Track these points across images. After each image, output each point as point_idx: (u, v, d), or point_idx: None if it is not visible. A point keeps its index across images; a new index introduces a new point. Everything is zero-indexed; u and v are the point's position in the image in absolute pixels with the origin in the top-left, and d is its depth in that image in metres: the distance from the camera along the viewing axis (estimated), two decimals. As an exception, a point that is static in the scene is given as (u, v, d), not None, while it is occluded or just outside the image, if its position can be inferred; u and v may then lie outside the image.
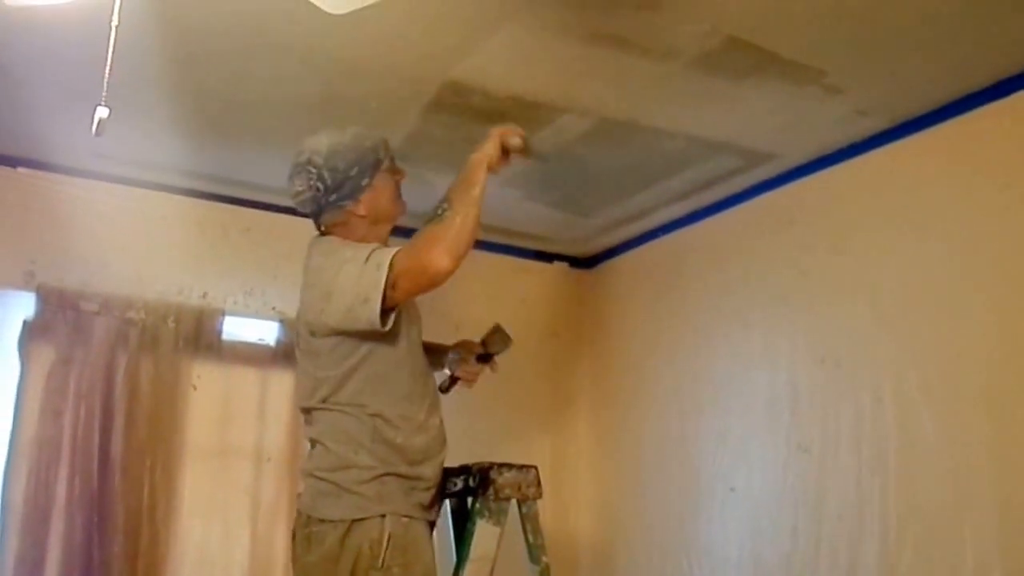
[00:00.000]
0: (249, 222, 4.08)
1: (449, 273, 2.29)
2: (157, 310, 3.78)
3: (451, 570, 2.63)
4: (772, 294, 3.63)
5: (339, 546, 2.31)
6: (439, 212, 2.45)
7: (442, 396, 2.67)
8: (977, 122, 2.95)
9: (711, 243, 4.02)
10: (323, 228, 2.53)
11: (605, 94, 3.09)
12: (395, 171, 2.57)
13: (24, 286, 3.62)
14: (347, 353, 2.38)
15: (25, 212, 3.70)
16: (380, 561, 2.28)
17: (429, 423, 2.48)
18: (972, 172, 2.96)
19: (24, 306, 3.60)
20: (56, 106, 3.23)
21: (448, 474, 2.73)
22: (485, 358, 2.87)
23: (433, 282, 2.31)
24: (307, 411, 2.50)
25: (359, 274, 2.29)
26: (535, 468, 2.78)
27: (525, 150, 2.53)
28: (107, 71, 1.98)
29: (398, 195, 2.58)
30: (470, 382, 2.86)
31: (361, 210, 2.47)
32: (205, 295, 3.93)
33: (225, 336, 3.91)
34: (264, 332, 4.03)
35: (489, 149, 2.47)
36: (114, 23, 1.92)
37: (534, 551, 2.77)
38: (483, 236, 4.45)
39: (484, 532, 2.64)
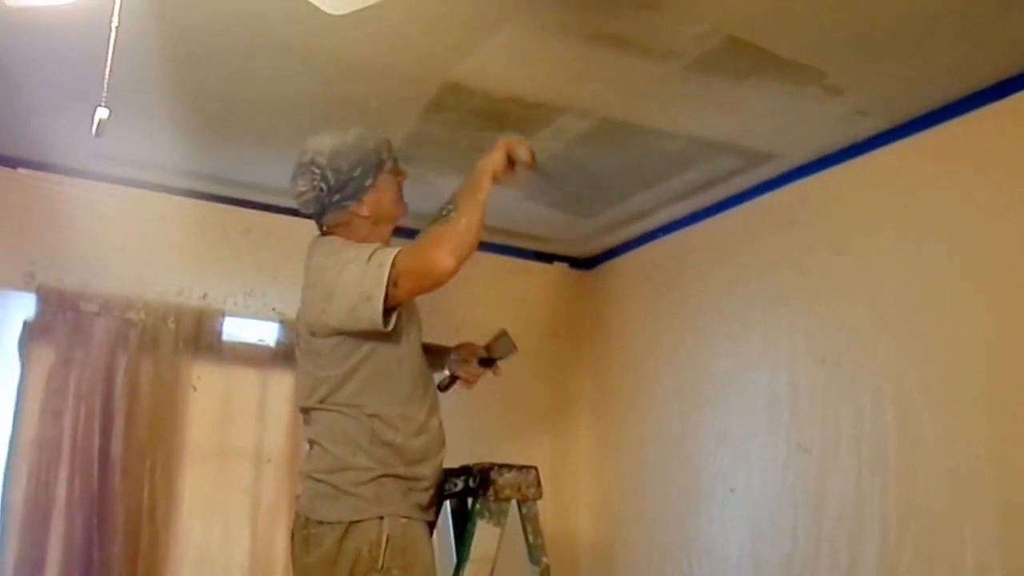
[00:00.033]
0: (249, 223, 4.08)
1: (452, 273, 2.30)
2: (157, 311, 3.78)
3: (451, 571, 2.63)
4: (772, 294, 3.63)
5: (337, 548, 2.31)
6: (444, 214, 2.46)
7: (442, 397, 2.67)
8: (977, 122, 2.95)
9: (711, 243, 4.02)
10: (325, 228, 2.53)
11: (605, 94, 3.09)
12: (398, 172, 2.58)
13: (24, 287, 3.62)
14: (348, 353, 2.38)
15: (25, 213, 3.70)
16: (379, 563, 2.28)
17: (429, 424, 2.48)
18: (972, 172, 2.96)
19: (24, 307, 3.60)
20: (56, 107, 3.23)
21: (448, 475, 2.73)
22: (488, 362, 2.87)
23: (436, 281, 2.32)
24: (306, 411, 2.50)
25: (361, 273, 2.29)
26: (535, 469, 2.78)
27: (531, 164, 2.53)
28: (107, 72, 1.98)
29: (400, 196, 2.59)
30: (470, 384, 2.86)
31: (364, 211, 2.48)
32: (205, 296, 3.93)
33: (225, 337, 3.91)
34: (264, 333, 4.03)
35: (496, 158, 2.48)
36: (114, 24, 1.93)
37: (534, 551, 2.77)
38: (484, 237, 4.46)
39: (484, 533, 2.64)
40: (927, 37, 2.65)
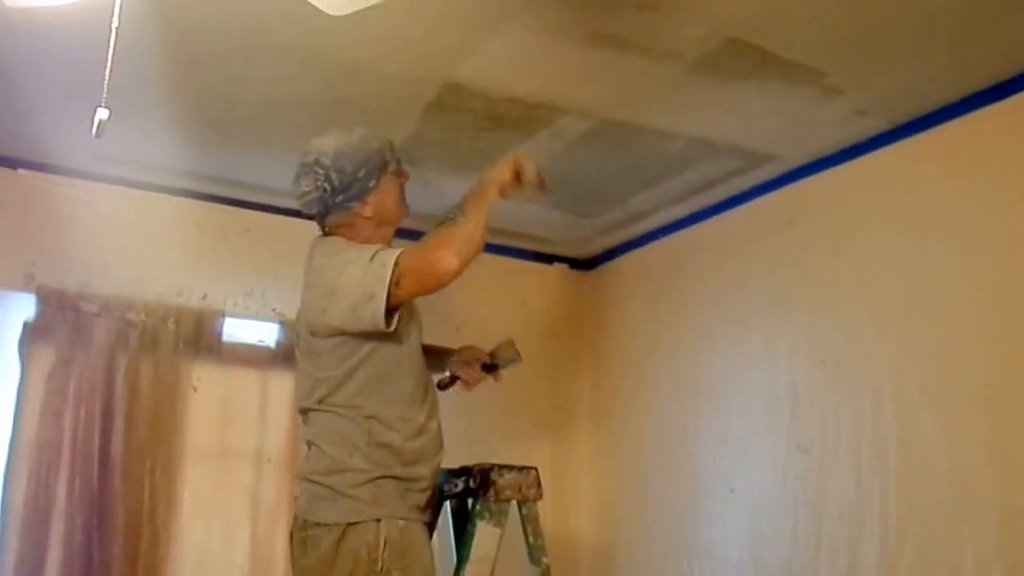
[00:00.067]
0: (249, 223, 4.08)
1: (455, 274, 2.31)
2: (157, 311, 3.77)
3: (451, 571, 2.63)
4: (772, 295, 3.63)
5: (334, 550, 2.31)
6: (449, 217, 2.46)
7: (442, 398, 2.67)
8: (977, 123, 2.95)
9: (711, 244, 4.02)
10: (327, 229, 2.53)
11: (605, 95, 3.09)
12: (401, 174, 2.58)
13: (24, 287, 3.62)
14: (348, 353, 2.38)
15: (25, 213, 3.69)
16: (378, 565, 2.28)
17: (428, 426, 2.47)
18: (972, 173, 2.96)
19: (24, 307, 3.60)
20: (56, 107, 3.23)
21: (448, 475, 2.74)
22: (490, 368, 2.87)
23: (439, 282, 2.33)
24: (304, 412, 2.50)
25: (364, 272, 2.29)
26: (535, 469, 2.79)
27: (538, 184, 2.54)
28: (107, 72, 1.98)
29: (403, 197, 2.59)
30: (469, 387, 2.87)
31: (367, 211, 2.48)
32: (205, 296, 3.93)
33: (225, 338, 3.91)
34: (264, 334, 4.03)
35: (504, 171, 2.50)
36: (114, 24, 1.93)
37: (534, 552, 2.77)
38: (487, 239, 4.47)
39: (484, 533, 2.65)
40: (927, 38, 2.65)
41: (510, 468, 2.74)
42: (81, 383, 3.57)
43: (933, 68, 2.82)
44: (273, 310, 4.01)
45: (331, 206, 2.47)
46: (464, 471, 2.78)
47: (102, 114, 1.94)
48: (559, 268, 4.80)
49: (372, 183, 2.47)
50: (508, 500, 2.71)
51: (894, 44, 2.69)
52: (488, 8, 2.58)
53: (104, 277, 3.73)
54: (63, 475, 3.48)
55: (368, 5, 2.05)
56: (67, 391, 3.55)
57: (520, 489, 2.74)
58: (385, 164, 2.51)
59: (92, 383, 3.58)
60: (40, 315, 3.59)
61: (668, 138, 3.38)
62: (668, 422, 4.10)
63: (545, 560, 2.77)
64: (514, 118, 3.24)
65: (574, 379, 4.69)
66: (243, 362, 3.97)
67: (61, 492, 3.47)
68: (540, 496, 2.78)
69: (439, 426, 2.53)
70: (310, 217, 2.57)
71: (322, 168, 2.44)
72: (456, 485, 2.78)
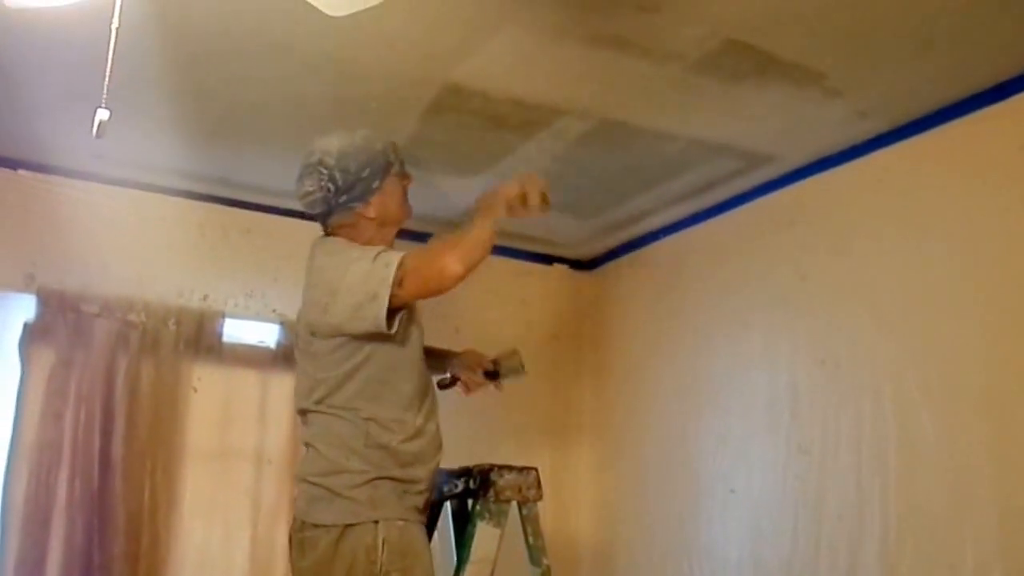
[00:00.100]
0: (250, 224, 4.08)
1: (459, 279, 2.32)
2: (157, 312, 3.78)
3: (451, 572, 2.63)
4: (772, 296, 3.63)
5: (332, 551, 2.30)
6: (457, 225, 2.47)
7: (442, 398, 2.66)
8: (977, 124, 2.95)
9: (711, 245, 4.02)
10: (329, 229, 2.53)
11: (605, 96, 3.09)
12: (404, 176, 2.58)
13: (24, 288, 3.62)
14: (347, 355, 2.38)
15: (25, 214, 3.69)
16: (377, 566, 2.28)
17: (426, 428, 2.47)
18: (971, 174, 2.96)
19: (25, 308, 3.60)
20: (56, 108, 3.23)
21: (448, 476, 2.74)
22: (492, 375, 2.87)
23: (441, 285, 2.33)
24: (303, 413, 2.50)
25: (367, 272, 2.29)
26: (535, 470, 2.79)
27: (542, 209, 2.55)
28: (107, 73, 1.98)
29: (406, 199, 2.59)
30: (469, 391, 2.87)
31: (370, 212, 2.48)
32: (205, 297, 3.93)
33: (226, 338, 3.91)
34: (265, 334, 4.03)
35: (513, 190, 2.50)
36: (114, 25, 1.92)
37: (535, 553, 2.77)
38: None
39: (484, 534, 2.65)
40: (927, 39, 2.65)
41: (510, 469, 2.74)
42: (81, 384, 3.57)
43: (933, 69, 2.82)
44: (273, 311, 4.01)
45: (334, 206, 2.46)
46: (464, 472, 2.78)
47: (102, 115, 1.94)
48: (559, 269, 4.80)
49: (376, 184, 2.47)
50: (508, 501, 2.71)
51: (894, 45, 2.69)
52: (488, 9, 2.58)
53: (104, 278, 3.73)
54: (63, 476, 3.48)
55: (368, 6, 2.05)
56: (67, 392, 3.55)
57: (520, 490, 2.74)
58: (389, 165, 2.52)
59: (92, 384, 3.58)
60: (40, 316, 3.59)
61: (668, 139, 3.38)
62: (668, 422, 4.10)
63: (545, 561, 2.77)
64: (514, 119, 3.24)
65: (574, 380, 4.69)
66: (243, 363, 3.97)
67: (61, 493, 3.47)
68: (540, 497, 2.78)
69: (438, 427, 2.53)
70: (311, 217, 2.57)
71: (326, 168, 2.44)
72: (456, 486, 2.78)
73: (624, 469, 4.37)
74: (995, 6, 2.49)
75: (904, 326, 3.08)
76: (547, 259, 4.77)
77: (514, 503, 2.73)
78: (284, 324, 3.94)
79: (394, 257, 2.30)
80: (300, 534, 2.40)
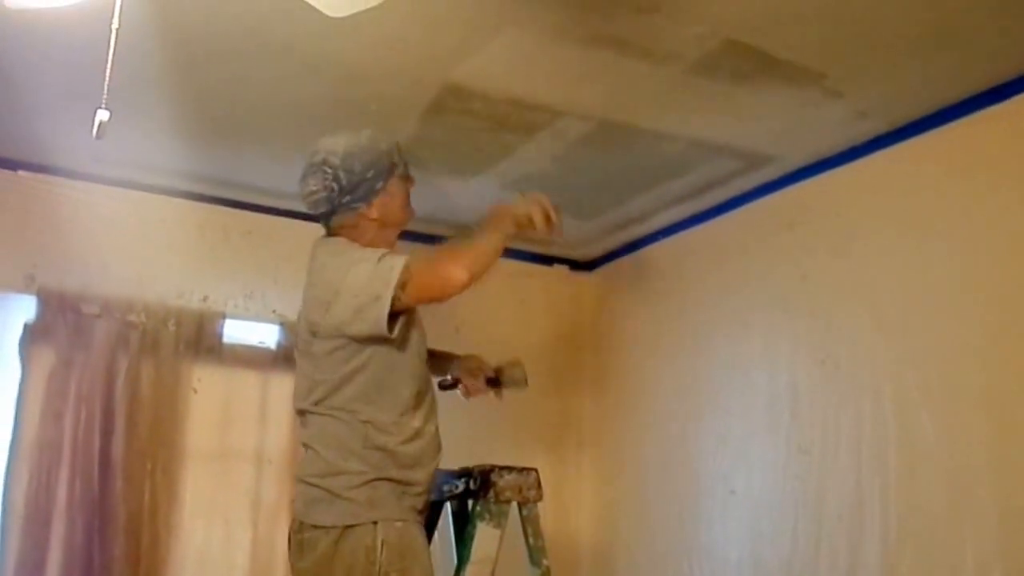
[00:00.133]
0: (250, 225, 4.08)
1: (462, 287, 2.34)
2: (158, 313, 3.78)
3: (452, 573, 2.64)
4: (772, 296, 3.63)
5: (332, 552, 2.31)
6: (467, 234, 2.48)
7: (441, 399, 2.66)
8: (977, 125, 2.95)
9: (711, 246, 4.02)
10: (331, 229, 2.52)
11: (605, 97, 3.09)
12: (407, 178, 2.58)
13: (25, 289, 3.62)
14: (347, 358, 2.37)
15: (26, 215, 3.70)
16: (377, 567, 2.28)
17: (425, 430, 2.46)
18: (971, 175, 2.96)
19: (25, 309, 3.60)
20: (56, 109, 3.23)
21: (448, 476, 2.74)
22: (494, 382, 2.87)
23: (444, 292, 2.35)
24: (301, 413, 2.50)
25: (371, 273, 2.29)
26: (535, 470, 2.79)
27: (547, 232, 2.57)
28: (107, 74, 1.99)
29: (408, 201, 2.59)
30: (469, 396, 2.87)
31: (373, 213, 2.48)
32: (206, 298, 3.93)
33: (226, 339, 3.91)
34: (265, 335, 4.03)
35: (521, 206, 2.54)
36: (115, 26, 1.93)
37: (535, 553, 2.77)
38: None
39: (485, 534, 2.65)
40: (927, 40, 2.65)
41: (510, 469, 2.74)
42: (82, 384, 3.58)
43: (933, 70, 2.82)
44: (274, 312, 4.01)
45: (337, 206, 2.46)
46: (464, 472, 2.78)
47: (102, 115, 1.94)
48: (559, 269, 4.80)
49: (379, 185, 2.48)
50: (508, 501, 2.71)
51: (894, 46, 2.69)
52: (488, 10, 2.58)
53: (104, 279, 3.74)
54: (64, 476, 3.48)
55: (367, 7, 2.05)
56: (68, 392, 3.56)
57: (520, 490, 2.74)
58: (393, 166, 2.52)
59: (93, 384, 3.59)
60: (40, 316, 3.60)
61: (668, 140, 3.38)
62: (668, 422, 4.10)
63: (545, 561, 2.78)
64: (514, 120, 3.24)
65: (574, 381, 4.69)
66: (244, 363, 3.97)
67: (62, 493, 3.47)
68: (540, 497, 2.79)
69: (437, 429, 2.52)
70: (313, 218, 2.57)
71: (330, 168, 2.44)
72: (456, 486, 2.78)
73: (624, 469, 4.37)
74: (995, 7, 2.49)
75: (904, 326, 3.09)
76: (547, 260, 4.77)
77: (514, 504, 2.74)
78: (284, 325, 3.95)
79: (399, 260, 2.30)
80: (299, 535, 2.40)
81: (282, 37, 2.72)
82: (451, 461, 2.67)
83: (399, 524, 2.35)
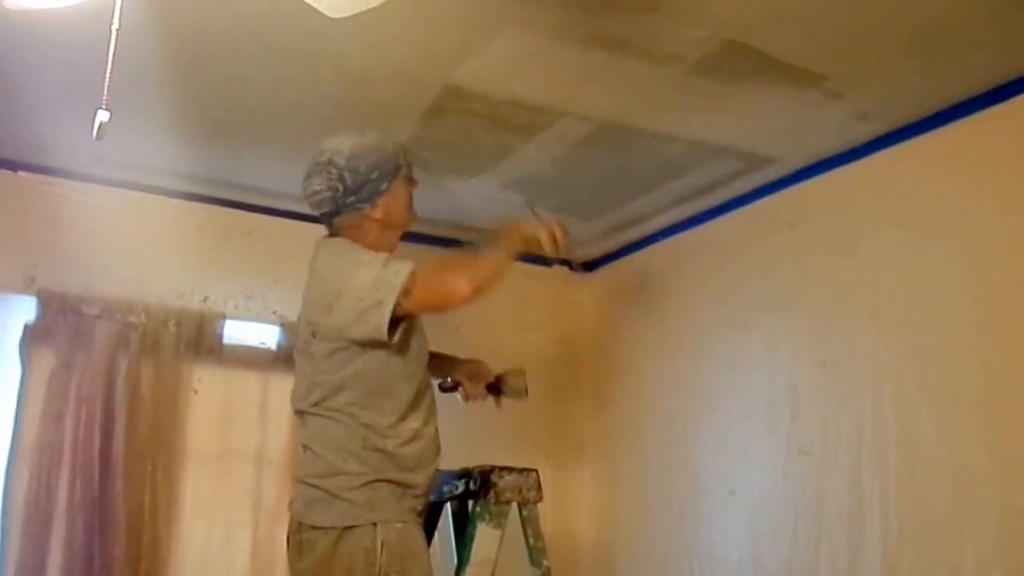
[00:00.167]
0: (250, 226, 4.08)
1: (465, 301, 2.35)
2: (158, 314, 3.78)
3: (452, 573, 2.64)
4: (772, 297, 3.63)
5: (331, 553, 2.30)
6: (474, 245, 2.50)
7: (441, 400, 2.66)
8: (976, 126, 2.95)
9: (711, 247, 4.02)
10: (334, 229, 2.52)
11: (605, 98, 3.09)
12: (411, 181, 2.57)
13: (25, 290, 3.62)
14: (345, 361, 2.36)
15: (26, 216, 3.70)
16: (376, 568, 2.27)
17: (424, 432, 2.45)
18: (971, 176, 2.96)
19: (25, 310, 3.60)
20: (57, 110, 3.23)
21: (449, 477, 2.74)
22: (494, 390, 2.87)
23: (446, 303, 2.37)
24: (300, 414, 2.49)
25: (375, 277, 2.29)
26: (535, 471, 2.79)
27: (555, 247, 2.62)
28: (108, 75, 1.99)
29: (411, 203, 2.59)
30: (467, 400, 2.87)
31: (377, 214, 2.47)
32: (206, 299, 3.93)
33: (226, 340, 3.91)
34: (265, 336, 4.02)
35: (533, 228, 2.59)
36: (115, 27, 1.93)
37: (535, 554, 2.78)
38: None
39: (485, 535, 2.65)
40: (927, 41, 2.65)
41: (510, 470, 2.74)
42: (82, 385, 3.57)
43: (933, 71, 2.82)
44: (274, 312, 4.01)
45: (342, 206, 2.45)
46: (464, 473, 2.78)
47: (103, 116, 1.95)
48: (559, 270, 4.79)
49: (384, 186, 2.47)
50: (508, 502, 2.71)
51: (894, 47, 2.69)
52: (488, 11, 2.59)
53: (105, 279, 3.73)
54: (64, 477, 3.48)
55: (367, 7, 2.06)
56: (68, 393, 3.55)
57: (520, 491, 2.74)
58: (398, 168, 2.51)
59: (93, 385, 3.58)
60: (41, 318, 3.59)
61: (668, 141, 3.38)
62: (668, 423, 4.10)
63: (545, 562, 2.78)
64: (514, 120, 3.24)
65: (574, 381, 4.69)
66: (244, 364, 3.97)
67: (62, 494, 3.47)
68: (540, 498, 2.79)
69: (436, 431, 2.51)
70: (314, 219, 2.57)
71: (336, 167, 2.43)
72: (456, 487, 2.78)
73: (624, 470, 4.37)
74: (995, 8, 2.49)
75: (904, 327, 3.09)
76: (547, 260, 4.76)
77: (514, 504, 2.74)
78: (284, 326, 3.94)
79: (405, 267, 2.29)
80: (298, 536, 2.40)
81: (282, 38, 2.72)
82: (451, 462, 2.67)
83: (399, 525, 2.34)
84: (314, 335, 2.41)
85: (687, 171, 3.65)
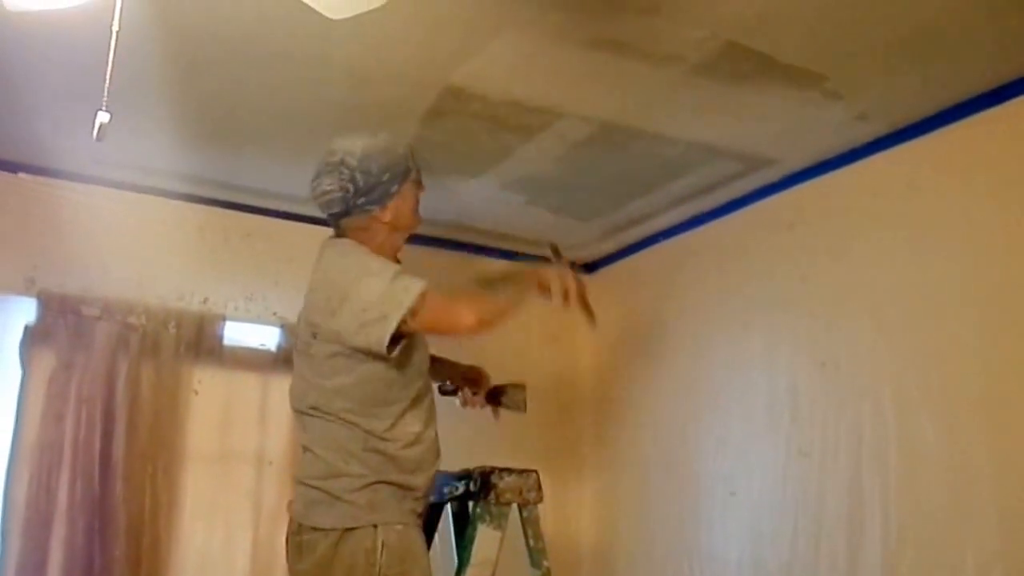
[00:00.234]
0: (250, 227, 4.08)
1: (469, 331, 2.37)
2: (158, 315, 3.78)
3: (452, 574, 2.64)
4: (772, 298, 3.63)
5: (331, 554, 2.30)
6: (493, 281, 2.54)
7: (441, 402, 2.66)
8: (976, 127, 2.95)
9: (711, 248, 4.02)
10: (341, 230, 2.50)
11: (605, 99, 3.09)
12: (419, 183, 2.57)
13: (25, 291, 3.62)
14: (345, 366, 2.36)
15: (26, 217, 3.70)
16: (376, 570, 2.27)
17: (425, 435, 2.45)
18: (971, 177, 2.96)
19: (25, 311, 3.60)
20: (57, 111, 3.23)
21: (449, 478, 2.74)
22: (494, 400, 2.87)
23: (450, 330, 2.40)
24: (299, 414, 2.49)
25: (384, 290, 2.28)
26: (536, 472, 2.79)
27: (565, 301, 2.66)
28: (108, 76, 1.99)
29: (417, 206, 2.58)
30: (466, 406, 2.88)
31: (386, 216, 2.46)
32: (206, 300, 3.93)
33: (226, 341, 3.91)
34: (265, 337, 4.03)
35: (548, 276, 2.64)
36: (115, 28, 1.93)
37: (535, 555, 2.78)
38: (484, 241, 4.48)
39: (485, 536, 2.65)
40: (926, 42, 2.65)
41: (510, 471, 2.75)
42: (82, 387, 3.57)
43: (933, 72, 2.82)
44: (274, 314, 4.01)
45: (352, 207, 2.44)
46: (464, 474, 2.78)
47: (103, 117, 1.95)
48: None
49: (394, 188, 2.46)
50: (509, 503, 2.72)
51: (894, 48, 2.69)
52: (488, 12, 2.59)
53: (105, 281, 3.73)
54: (64, 478, 3.48)
55: (367, 9, 2.06)
56: (68, 395, 3.55)
57: (521, 492, 2.74)
58: (408, 170, 2.50)
59: (93, 387, 3.58)
60: (41, 319, 3.59)
61: (668, 141, 3.38)
62: (668, 424, 4.10)
63: (546, 563, 2.78)
64: (514, 121, 3.24)
65: (574, 382, 4.69)
66: (244, 366, 3.97)
67: (62, 495, 3.47)
68: (541, 499, 2.79)
69: (436, 435, 2.51)
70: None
71: (348, 168, 2.41)
72: (456, 488, 2.78)
73: (624, 471, 4.37)
74: (994, 9, 2.50)
75: (904, 328, 3.09)
76: (547, 261, 4.75)
77: (515, 505, 2.74)
78: (285, 327, 3.94)
79: (416, 286, 2.29)
80: (298, 537, 2.39)
81: (282, 39, 2.72)
82: (451, 463, 2.67)
83: (399, 527, 2.34)
84: (314, 336, 2.40)
85: (687, 172, 3.65)
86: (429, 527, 2.69)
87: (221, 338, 3.89)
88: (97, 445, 3.54)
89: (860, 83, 2.90)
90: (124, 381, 3.64)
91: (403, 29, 2.66)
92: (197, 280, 3.94)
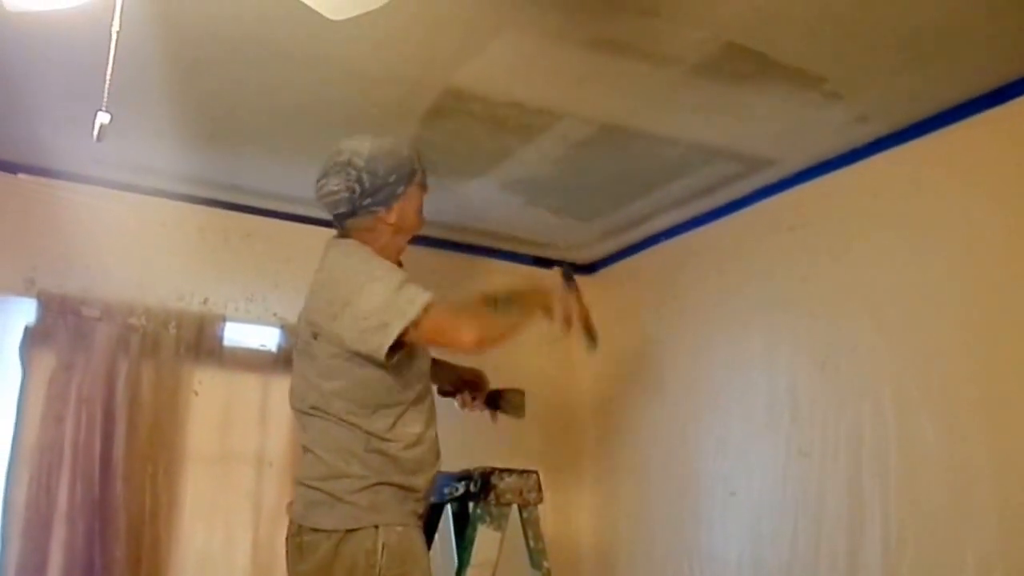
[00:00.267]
0: (250, 228, 4.08)
1: (469, 348, 2.36)
2: (158, 316, 3.77)
3: (452, 575, 2.63)
4: (772, 299, 3.64)
5: (332, 555, 2.29)
6: (498, 299, 2.53)
7: (441, 403, 2.66)
8: (976, 128, 2.96)
9: (711, 248, 4.02)
10: (345, 231, 2.50)
11: (605, 99, 3.10)
12: (424, 185, 2.57)
13: (25, 292, 3.61)
14: (345, 369, 2.35)
15: (26, 218, 3.69)
16: (377, 571, 2.27)
17: (425, 436, 2.45)
18: (971, 178, 2.97)
19: (25, 312, 3.59)
20: (57, 112, 3.23)
21: (449, 479, 2.74)
22: (493, 404, 2.87)
23: (450, 344, 2.39)
24: (299, 414, 2.49)
25: (388, 299, 2.27)
26: (536, 473, 2.79)
27: (567, 327, 2.68)
28: (108, 77, 1.99)
29: (422, 208, 2.58)
30: (464, 408, 2.88)
31: (391, 218, 2.46)
32: (206, 301, 3.93)
33: (226, 342, 3.91)
34: (265, 338, 4.02)
35: (553, 301, 2.68)
36: (115, 29, 1.93)
37: (535, 556, 2.78)
38: (484, 242, 4.48)
39: (485, 537, 2.65)
40: (926, 43, 2.66)
41: (510, 472, 2.75)
42: (82, 387, 3.57)
43: (933, 73, 2.82)
44: (274, 315, 4.01)
45: (357, 208, 2.43)
46: (465, 475, 2.78)
47: (103, 118, 1.95)
48: (559, 272, 4.78)
49: (400, 190, 2.45)
50: (509, 504, 2.72)
51: (894, 49, 2.70)
52: (488, 13, 2.59)
53: (105, 282, 3.73)
54: (64, 479, 3.47)
55: (368, 9, 2.06)
56: (68, 395, 3.55)
57: (521, 493, 2.74)
58: (414, 172, 2.50)
59: (93, 387, 3.58)
60: (41, 320, 3.59)
61: (668, 142, 3.38)
62: (668, 425, 4.10)
63: (546, 564, 2.78)
64: (514, 122, 3.24)
65: (574, 383, 4.69)
66: (244, 366, 3.97)
67: (62, 496, 3.46)
68: (541, 500, 2.79)
69: (436, 436, 2.51)
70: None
71: (355, 169, 2.41)
72: (457, 488, 2.78)
73: (624, 472, 4.37)
74: (995, 10, 2.50)
75: (904, 329, 3.09)
76: (546, 262, 4.75)
77: (515, 506, 2.74)
78: (285, 327, 3.94)
79: (421, 297, 2.28)
80: (298, 538, 2.39)
81: (282, 40, 2.72)
82: (451, 464, 2.67)
83: (400, 528, 2.34)
84: (315, 336, 2.40)
85: (687, 173, 3.65)
86: (429, 528, 2.69)
87: (221, 339, 3.89)
88: (97, 446, 3.53)
89: (860, 84, 2.90)
90: (124, 382, 3.64)
91: (403, 29, 2.66)
92: (197, 281, 3.94)
